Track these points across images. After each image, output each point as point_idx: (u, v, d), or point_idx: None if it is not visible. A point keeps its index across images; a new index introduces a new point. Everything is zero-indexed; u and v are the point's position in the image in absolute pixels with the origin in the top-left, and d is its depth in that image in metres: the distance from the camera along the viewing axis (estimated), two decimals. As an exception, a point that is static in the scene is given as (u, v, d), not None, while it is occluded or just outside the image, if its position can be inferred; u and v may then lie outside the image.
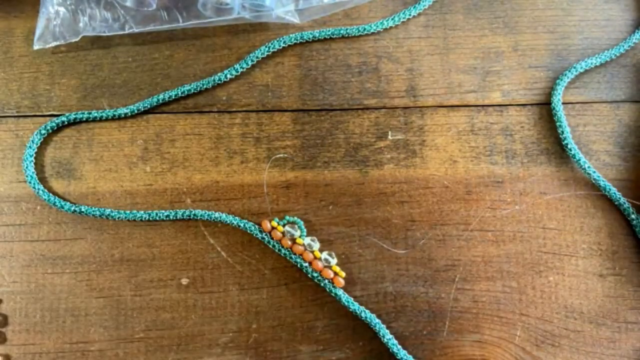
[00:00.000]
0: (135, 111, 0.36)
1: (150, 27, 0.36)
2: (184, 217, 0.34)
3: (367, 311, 0.33)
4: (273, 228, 0.33)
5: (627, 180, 0.35)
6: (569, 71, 0.36)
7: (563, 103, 0.36)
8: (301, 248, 0.33)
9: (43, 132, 0.35)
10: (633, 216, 0.34)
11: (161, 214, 0.34)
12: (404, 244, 0.34)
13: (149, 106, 0.36)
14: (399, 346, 0.32)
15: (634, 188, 0.35)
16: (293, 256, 0.33)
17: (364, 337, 0.33)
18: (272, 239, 0.33)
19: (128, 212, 0.34)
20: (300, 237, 0.33)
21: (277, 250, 0.34)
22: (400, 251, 0.34)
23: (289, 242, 0.33)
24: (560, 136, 0.35)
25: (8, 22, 0.37)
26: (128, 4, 0.36)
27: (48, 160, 0.35)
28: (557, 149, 0.36)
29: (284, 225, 0.34)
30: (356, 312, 0.33)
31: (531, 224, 0.34)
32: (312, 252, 0.33)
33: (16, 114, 0.36)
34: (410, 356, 0.32)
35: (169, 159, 0.35)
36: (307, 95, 0.36)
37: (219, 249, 0.34)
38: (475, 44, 0.37)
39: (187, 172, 0.35)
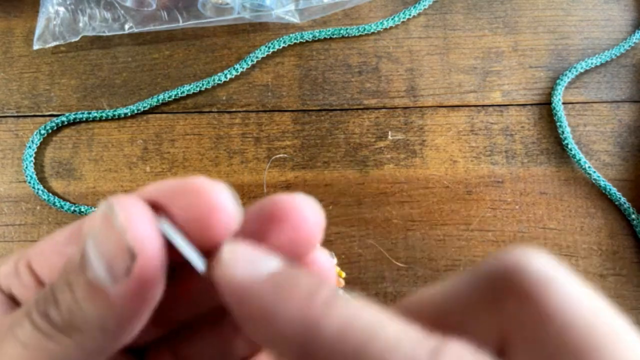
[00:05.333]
0: (135, 111, 0.35)
1: (150, 27, 0.36)
2: (184, 217, 0.34)
3: (367, 311, 0.32)
4: (273, 228, 0.33)
5: (627, 180, 0.35)
6: (569, 71, 0.36)
7: (563, 103, 0.36)
8: (301, 248, 0.33)
9: (43, 132, 0.35)
10: (633, 216, 0.34)
11: (161, 214, 0.34)
12: (404, 244, 0.34)
13: (148, 106, 0.35)
14: (399, 346, 0.32)
15: (634, 188, 0.35)
16: (293, 256, 0.33)
17: (364, 337, 0.33)
18: (272, 239, 0.33)
19: (128, 212, 0.34)
20: (300, 237, 0.33)
21: (277, 251, 0.33)
22: (401, 264, 0.34)
23: (289, 242, 0.33)
24: (561, 136, 0.35)
25: (8, 22, 0.37)
26: (128, 4, 0.35)
27: (48, 160, 0.35)
28: (557, 149, 0.36)
29: (284, 226, 0.33)
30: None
31: (531, 224, 0.34)
32: (312, 252, 0.33)
33: (16, 114, 0.36)
34: (411, 356, 0.32)
35: (168, 159, 0.35)
36: (307, 95, 0.36)
37: (218, 249, 0.34)
38: (475, 44, 0.37)
39: (187, 172, 0.35)
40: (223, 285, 0.12)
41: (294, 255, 0.14)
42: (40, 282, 0.15)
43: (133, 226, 0.12)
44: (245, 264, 0.13)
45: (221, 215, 0.13)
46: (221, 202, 0.13)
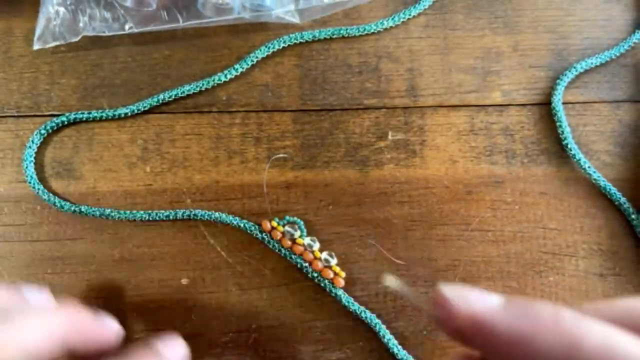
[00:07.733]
0: (135, 111, 0.35)
1: (150, 27, 0.36)
2: (184, 217, 0.34)
3: (367, 311, 0.33)
4: (273, 228, 0.33)
5: (627, 180, 0.35)
6: (569, 71, 0.36)
7: (563, 103, 0.36)
8: (301, 248, 0.33)
9: (43, 132, 0.35)
10: (633, 216, 0.34)
11: (161, 214, 0.34)
12: (404, 244, 0.34)
13: (148, 106, 0.35)
14: (399, 346, 0.32)
15: (634, 188, 0.35)
16: (293, 256, 0.33)
17: (364, 337, 0.33)
18: (272, 239, 0.33)
19: (128, 212, 0.34)
20: (300, 237, 0.33)
21: (277, 251, 0.33)
22: (401, 262, 0.34)
23: (289, 242, 0.33)
24: (560, 136, 0.35)
25: (8, 22, 0.37)
26: (128, 4, 0.35)
27: (48, 160, 0.35)
28: (557, 149, 0.36)
29: (283, 226, 0.33)
30: (356, 312, 0.33)
31: (531, 224, 0.34)
32: (312, 252, 0.33)
33: (16, 114, 0.36)
34: (410, 356, 0.32)
35: (168, 159, 0.35)
36: (307, 95, 0.36)
37: (218, 249, 0.34)
38: (476, 43, 0.37)
39: (187, 172, 0.35)
40: (461, 319, 0.13)
41: None
42: None
43: None
44: (473, 298, 0.13)
45: None
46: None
